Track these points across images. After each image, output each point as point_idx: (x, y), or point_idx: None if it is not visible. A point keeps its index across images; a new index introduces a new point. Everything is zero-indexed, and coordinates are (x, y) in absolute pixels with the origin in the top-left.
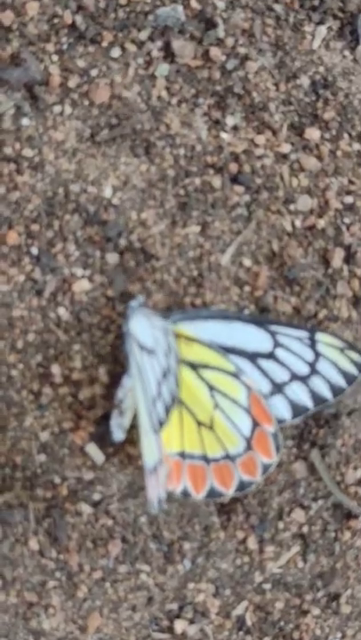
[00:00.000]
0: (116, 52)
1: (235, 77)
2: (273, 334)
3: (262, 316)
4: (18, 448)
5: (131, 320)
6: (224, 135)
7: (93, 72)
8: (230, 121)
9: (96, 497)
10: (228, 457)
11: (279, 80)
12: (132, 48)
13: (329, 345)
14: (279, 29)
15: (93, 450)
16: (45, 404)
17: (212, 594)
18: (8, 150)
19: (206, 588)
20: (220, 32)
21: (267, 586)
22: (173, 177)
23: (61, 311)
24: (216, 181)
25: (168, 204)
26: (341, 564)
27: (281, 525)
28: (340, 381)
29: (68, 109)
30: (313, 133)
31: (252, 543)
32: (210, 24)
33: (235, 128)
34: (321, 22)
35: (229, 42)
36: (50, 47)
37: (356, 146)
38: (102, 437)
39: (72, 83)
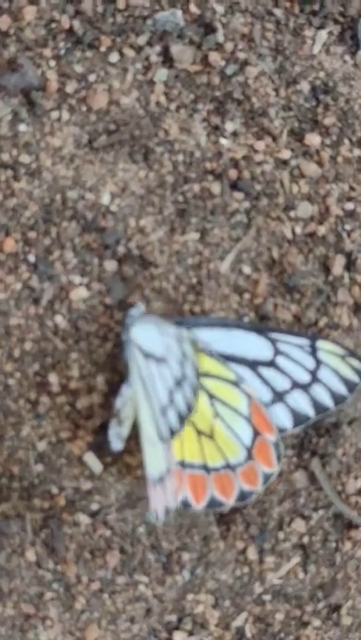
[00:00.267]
0: (114, 57)
1: (234, 83)
2: (274, 342)
3: (262, 324)
4: (15, 458)
5: (133, 328)
6: (223, 141)
7: (91, 77)
8: (230, 127)
9: (94, 507)
10: (228, 466)
11: (279, 85)
12: (130, 53)
13: (330, 353)
14: (279, 34)
15: (91, 459)
16: (43, 413)
17: (212, 605)
18: (5, 156)
19: (205, 599)
20: (220, 37)
21: (267, 597)
22: (172, 183)
23: (59, 319)
24: (215, 188)
25: (167, 210)
26: (342, 574)
27: (281, 536)
28: (341, 389)
29: (65, 115)
30: (313, 139)
31: (251, 554)
32: (209, 29)
33: (234, 134)
34: (321, 27)
35: (229, 47)
36: (47, 52)
37: (356, 152)
38: (100, 447)
39: (70, 88)
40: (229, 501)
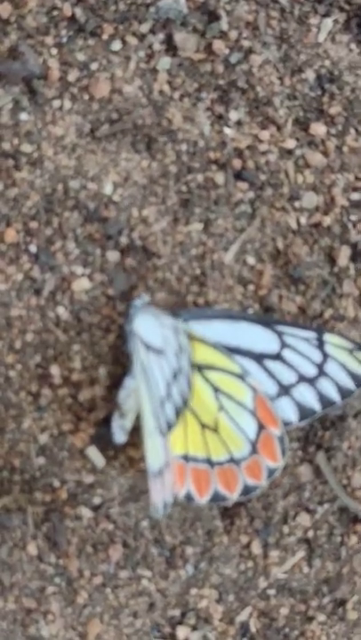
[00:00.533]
0: (116, 46)
1: (238, 71)
2: (280, 335)
3: (268, 316)
4: (16, 451)
5: (135, 319)
6: (227, 130)
7: (93, 66)
8: (234, 116)
9: (96, 501)
10: (232, 460)
11: (284, 74)
12: (133, 41)
13: (337, 346)
14: (284, 22)
15: (94, 452)
16: (44, 405)
17: (216, 599)
18: (6, 146)
19: (209, 594)
20: (224, 25)
21: (271, 591)
22: (175, 173)
23: (61, 310)
24: (219, 178)
25: (170, 200)
26: (348, 569)
27: (286, 530)
28: (348, 383)
29: (67, 104)
30: (318, 129)
31: (256, 548)
32: (213, 16)
33: (238, 123)
34: (327, 15)
35: (233, 35)
36: (49, 40)
37: None
38: (103, 440)
39: (72, 77)
40: (233, 496)
